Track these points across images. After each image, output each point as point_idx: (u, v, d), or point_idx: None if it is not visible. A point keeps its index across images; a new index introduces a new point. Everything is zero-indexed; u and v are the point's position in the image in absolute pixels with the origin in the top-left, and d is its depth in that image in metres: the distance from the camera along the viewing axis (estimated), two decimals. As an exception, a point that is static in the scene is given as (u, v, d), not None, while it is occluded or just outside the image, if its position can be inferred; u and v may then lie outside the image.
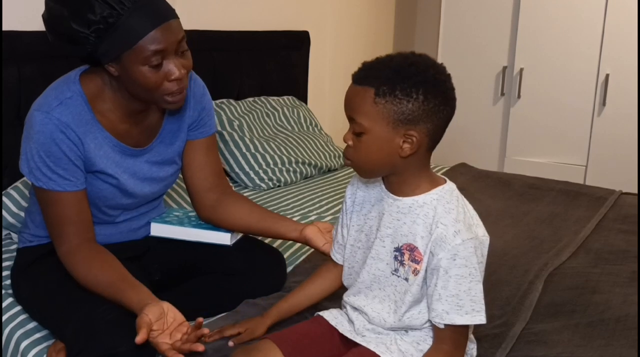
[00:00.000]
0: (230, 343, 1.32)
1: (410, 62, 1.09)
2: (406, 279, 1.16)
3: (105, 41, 1.30)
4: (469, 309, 1.11)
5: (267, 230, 1.58)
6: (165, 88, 1.36)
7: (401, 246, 1.16)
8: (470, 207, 1.18)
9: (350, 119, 1.12)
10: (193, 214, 1.72)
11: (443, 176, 1.19)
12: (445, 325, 1.12)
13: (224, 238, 1.60)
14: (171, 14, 1.35)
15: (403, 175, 1.15)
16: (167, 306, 1.24)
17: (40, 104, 1.38)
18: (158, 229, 1.62)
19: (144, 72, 1.32)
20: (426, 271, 1.14)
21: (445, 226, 1.10)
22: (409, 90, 1.06)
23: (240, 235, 1.63)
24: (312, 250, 1.73)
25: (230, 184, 1.70)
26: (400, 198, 1.16)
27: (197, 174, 1.61)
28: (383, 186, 1.20)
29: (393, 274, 1.18)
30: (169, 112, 1.53)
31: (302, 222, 2.12)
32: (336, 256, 1.35)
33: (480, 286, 1.12)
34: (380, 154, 1.11)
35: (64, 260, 1.39)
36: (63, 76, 1.44)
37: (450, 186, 1.16)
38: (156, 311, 1.22)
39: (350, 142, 1.13)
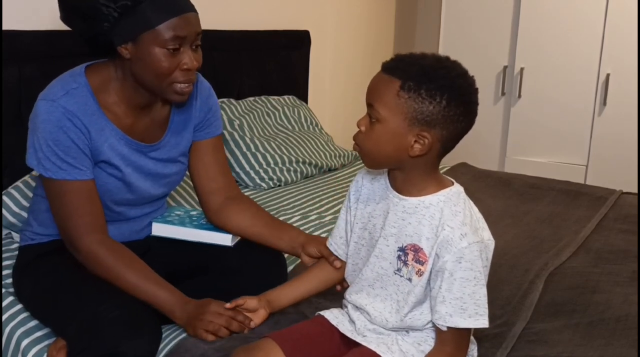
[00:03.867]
0: (228, 305, 1.35)
1: (442, 66, 1.09)
2: (409, 280, 1.16)
3: (127, 19, 1.33)
4: (472, 312, 1.11)
5: (266, 244, 1.58)
6: (175, 76, 1.38)
7: (405, 246, 1.16)
8: (476, 210, 1.17)
9: (369, 105, 1.12)
10: (194, 213, 1.72)
11: (451, 178, 1.19)
12: (448, 328, 1.12)
13: (224, 239, 1.60)
14: (192, 8, 1.40)
15: (409, 174, 1.15)
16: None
17: (45, 94, 1.39)
18: (159, 229, 1.63)
19: (159, 55, 1.35)
20: (430, 272, 1.13)
21: (452, 229, 1.10)
22: (434, 92, 1.06)
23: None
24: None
25: (238, 187, 1.69)
26: (406, 198, 1.16)
27: (204, 175, 1.61)
28: (389, 184, 1.20)
29: (396, 273, 1.18)
30: (175, 110, 1.54)
31: (303, 221, 2.13)
32: (338, 252, 1.35)
33: (485, 290, 1.12)
34: (389, 146, 1.10)
35: (88, 251, 1.38)
36: (69, 70, 1.44)
37: (457, 189, 1.16)
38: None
39: (363, 128, 1.13)
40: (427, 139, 1.08)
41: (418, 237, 1.14)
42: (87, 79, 1.41)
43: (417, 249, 1.14)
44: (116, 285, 1.37)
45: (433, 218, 1.13)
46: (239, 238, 1.62)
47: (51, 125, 1.35)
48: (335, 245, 1.35)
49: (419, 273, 1.14)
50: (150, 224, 1.62)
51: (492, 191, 2.60)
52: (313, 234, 1.96)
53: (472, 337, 1.24)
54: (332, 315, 1.29)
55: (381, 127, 1.10)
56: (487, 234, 1.15)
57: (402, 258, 1.16)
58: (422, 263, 1.14)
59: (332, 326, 1.27)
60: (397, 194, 1.17)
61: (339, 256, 1.35)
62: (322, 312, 1.31)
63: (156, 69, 1.36)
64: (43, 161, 1.37)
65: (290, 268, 1.69)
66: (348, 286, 1.35)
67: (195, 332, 1.33)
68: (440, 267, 1.11)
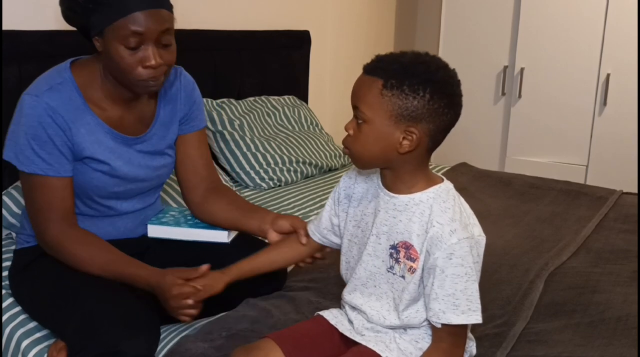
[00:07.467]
0: (190, 301, 1.30)
1: (422, 61, 1.10)
2: (402, 277, 1.16)
3: (97, 12, 1.33)
4: (465, 308, 1.11)
5: (239, 228, 1.59)
6: (138, 73, 1.37)
7: (397, 244, 1.16)
8: (466, 206, 1.18)
9: (355, 107, 1.13)
10: (189, 212, 1.72)
11: (441, 175, 1.19)
12: (442, 324, 1.12)
13: (220, 236, 1.61)
14: (163, 4, 1.37)
15: (399, 171, 1.15)
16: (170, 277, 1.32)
17: (30, 89, 1.40)
18: (155, 231, 1.63)
19: (120, 51, 1.34)
20: (423, 269, 1.14)
21: (441, 225, 1.11)
22: (417, 87, 1.07)
23: (236, 232, 1.64)
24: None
25: (221, 178, 1.70)
26: (397, 195, 1.17)
27: (190, 168, 1.63)
28: (380, 182, 1.21)
29: (388, 271, 1.18)
30: (161, 103, 1.56)
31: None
32: (316, 235, 1.37)
33: (476, 286, 1.12)
34: (378, 146, 1.11)
35: (55, 242, 1.40)
36: (55, 66, 1.46)
37: (447, 185, 1.17)
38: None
39: (351, 131, 1.14)
40: (415, 134, 1.09)
41: (409, 235, 1.15)
42: (72, 74, 1.42)
43: (408, 246, 1.15)
44: (89, 272, 1.37)
45: (423, 215, 1.13)
46: (235, 234, 1.62)
47: (32, 120, 1.36)
48: (320, 235, 1.36)
49: (411, 270, 1.15)
50: (144, 222, 1.63)
51: (492, 190, 2.60)
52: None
53: (470, 334, 1.24)
54: (331, 315, 1.29)
55: (368, 128, 1.11)
56: (477, 230, 1.15)
57: (394, 256, 1.17)
58: (413, 260, 1.14)
59: (332, 325, 1.27)
60: (387, 192, 1.18)
61: (330, 245, 1.37)
62: (321, 312, 1.31)
63: (119, 64, 1.36)
64: (19, 155, 1.38)
65: (290, 268, 1.69)
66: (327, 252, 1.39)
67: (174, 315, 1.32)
68: (431, 264, 1.11)
